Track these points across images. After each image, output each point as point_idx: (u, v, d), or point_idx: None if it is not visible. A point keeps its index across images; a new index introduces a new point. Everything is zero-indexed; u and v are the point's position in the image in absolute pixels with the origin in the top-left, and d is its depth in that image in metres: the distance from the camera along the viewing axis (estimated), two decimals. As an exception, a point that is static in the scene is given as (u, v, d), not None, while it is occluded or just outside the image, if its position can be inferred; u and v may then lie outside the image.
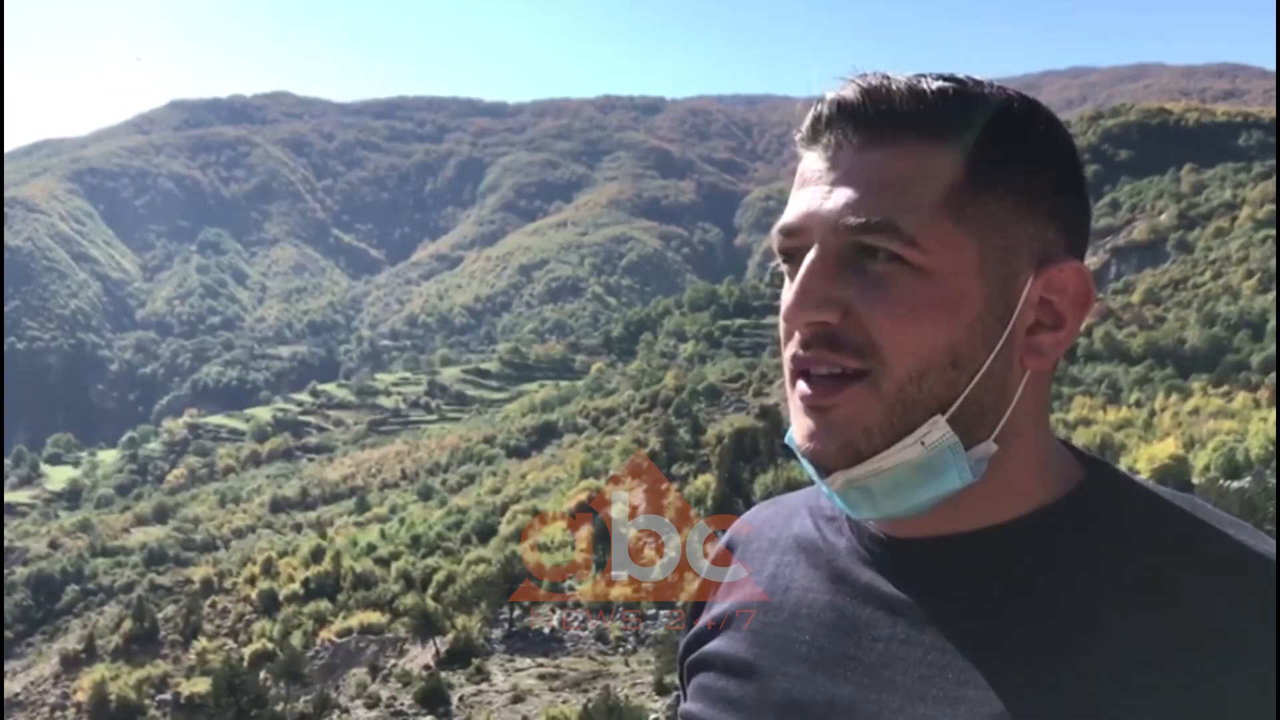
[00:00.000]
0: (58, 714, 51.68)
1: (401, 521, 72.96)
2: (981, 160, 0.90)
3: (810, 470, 0.93)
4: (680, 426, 68.87)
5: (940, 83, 0.91)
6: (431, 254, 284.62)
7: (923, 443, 0.89)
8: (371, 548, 64.77)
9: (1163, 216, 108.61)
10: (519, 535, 59.04)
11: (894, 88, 0.91)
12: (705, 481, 54.04)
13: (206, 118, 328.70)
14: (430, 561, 59.97)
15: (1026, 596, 0.90)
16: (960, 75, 0.92)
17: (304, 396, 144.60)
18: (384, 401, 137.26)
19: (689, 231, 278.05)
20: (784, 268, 0.95)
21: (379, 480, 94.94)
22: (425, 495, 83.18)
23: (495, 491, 74.97)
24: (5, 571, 70.11)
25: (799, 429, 0.93)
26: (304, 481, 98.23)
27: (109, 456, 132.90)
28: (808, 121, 0.94)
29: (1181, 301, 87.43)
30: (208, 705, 37.19)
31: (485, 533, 63.19)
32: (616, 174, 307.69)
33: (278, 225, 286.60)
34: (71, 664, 56.26)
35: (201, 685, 45.19)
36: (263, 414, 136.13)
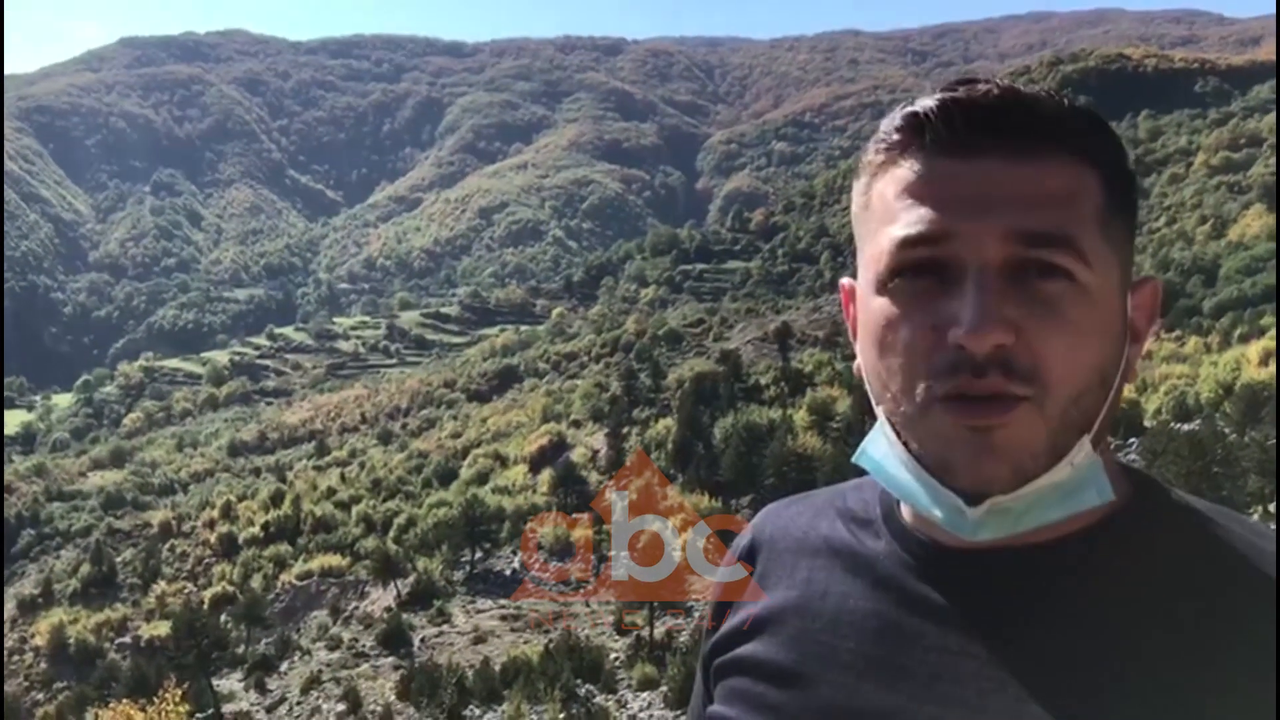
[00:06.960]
0: (15, 658, 51.47)
1: (362, 465, 72.87)
2: (1116, 182, 0.92)
3: (944, 495, 0.89)
4: (641, 371, 69.00)
5: (1066, 100, 0.90)
6: (389, 195, 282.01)
7: (1072, 464, 0.88)
8: (332, 491, 64.70)
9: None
10: (480, 478, 59.20)
11: (1039, 100, 0.89)
12: (666, 426, 54.27)
13: (159, 56, 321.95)
14: (391, 505, 59.98)
15: (1080, 613, 0.89)
16: (1050, 91, 0.91)
17: (261, 340, 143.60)
18: (342, 345, 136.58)
19: (650, 175, 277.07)
20: (894, 284, 0.89)
21: (338, 424, 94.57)
22: (385, 439, 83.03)
23: (456, 435, 74.90)
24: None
25: (959, 456, 0.87)
26: (262, 425, 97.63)
27: (63, 400, 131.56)
28: (934, 121, 0.89)
29: (1136, 247, 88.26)
30: (168, 648, 37.23)
31: (446, 476, 63.21)
32: (577, 116, 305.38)
33: (233, 166, 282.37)
34: (28, 609, 55.89)
35: (162, 628, 45.23)
36: (219, 357, 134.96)
